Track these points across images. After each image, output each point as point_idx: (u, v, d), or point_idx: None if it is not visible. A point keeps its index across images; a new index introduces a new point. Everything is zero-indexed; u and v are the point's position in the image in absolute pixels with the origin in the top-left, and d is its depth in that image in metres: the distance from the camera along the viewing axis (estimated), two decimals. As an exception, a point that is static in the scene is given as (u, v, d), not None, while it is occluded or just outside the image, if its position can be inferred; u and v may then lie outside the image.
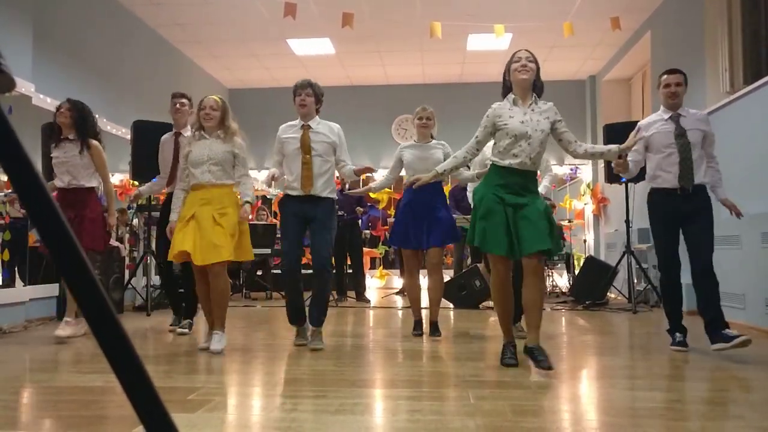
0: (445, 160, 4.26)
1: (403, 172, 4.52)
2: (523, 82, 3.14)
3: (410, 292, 4.48)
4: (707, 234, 3.54)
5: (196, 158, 3.74)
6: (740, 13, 5.57)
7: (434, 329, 4.25)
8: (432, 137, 4.47)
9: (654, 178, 3.71)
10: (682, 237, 3.65)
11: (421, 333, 4.29)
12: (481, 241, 3.06)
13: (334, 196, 3.93)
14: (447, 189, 8.15)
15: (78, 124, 4.28)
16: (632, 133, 3.35)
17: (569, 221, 8.71)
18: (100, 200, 4.45)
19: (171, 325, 4.59)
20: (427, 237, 4.19)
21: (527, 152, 3.08)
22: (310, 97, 3.89)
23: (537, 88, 3.20)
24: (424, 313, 4.50)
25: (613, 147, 3.30)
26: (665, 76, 3.77)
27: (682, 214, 3.59)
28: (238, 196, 3.81)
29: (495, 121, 3.16)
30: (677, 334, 3.70)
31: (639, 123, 3.83)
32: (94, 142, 4.31)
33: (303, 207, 3.81)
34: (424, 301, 4.52)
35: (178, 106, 4.58)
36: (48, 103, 5.44)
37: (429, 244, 4.20)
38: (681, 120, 3.68)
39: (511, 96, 3.20)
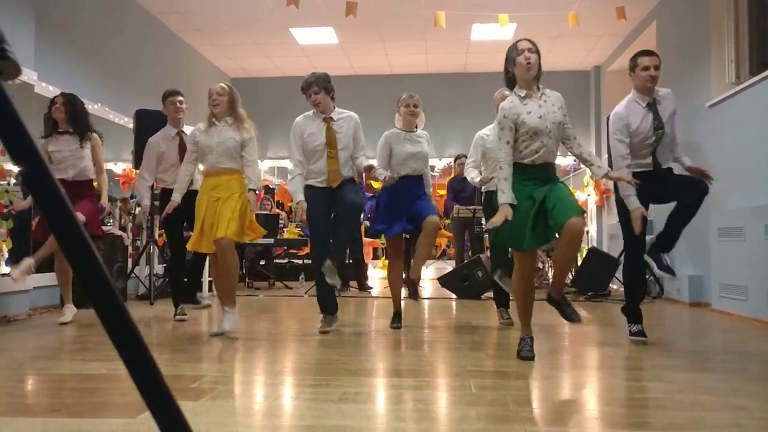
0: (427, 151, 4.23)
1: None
2: (527, 75, 3.08)
3: (391, 282, 4.30)
4: (684, 185, 3.49)
5: (205, 145, 3.82)
6: (747, 3, 5.52)
7: (413, 291, 4.27)
8: (416, 126, 4.28)
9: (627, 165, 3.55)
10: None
11: (399, 326, 4.14)
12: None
13: (355, 175, 3.99)
14: (447, 180, 8.14)
15: (73, 117, 4.35)
16: (629, 177, 3.26)
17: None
18: (95, 190, 4.54)
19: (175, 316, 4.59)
20: (415, 216, 4.00)
21: (549, 146, 3.06)
22: (318, 94, 3.88)
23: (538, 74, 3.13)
24: (404, 304, 4.49)
25: (604, 168, 3.19)
26: (642, 58, 3.54)
27: (652, 192, 3.49)
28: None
29: (514, 119, 3.11)
30: (637, 325, 3.60)
31: (616, 112, 3.56)
32: (95, 135, 4.42)
33: (328, 195, 3.89)
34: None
35: (178, 104, 4.54)
36: (50, 91, 5.43)
37: (421, 218, 3.97)
38: (658, 108, 3.54)
39: (520, 91, 3.14)
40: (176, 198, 3.94)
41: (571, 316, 3.07)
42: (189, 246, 3.87)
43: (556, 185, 3.08)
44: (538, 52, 3.12)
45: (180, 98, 4.57)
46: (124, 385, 2.44)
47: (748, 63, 5.47)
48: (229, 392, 2.41)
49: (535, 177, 3.07)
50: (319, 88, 3.86)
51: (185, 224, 4.47)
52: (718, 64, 5.70)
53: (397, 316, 4.22)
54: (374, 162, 4.14)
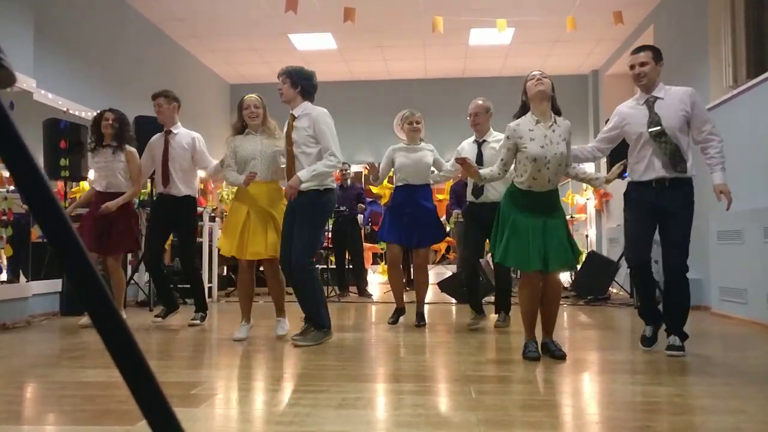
0: (434, 163, 4.53)
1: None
2: (540, 93, 3.16)
3: (392, 282, 4.66)
4: (681, 233, 3.22)
5: (244, 155, 3.89)
6: (744, 6, 5.54)
7: (420, 318, 4.51)
8: (421, 140, 4.59)
9: (631, 171, 3.42)
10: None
11: (396, 321, 4.51)
12: (504, 257, 3.15)
13: (316, 187, 3.60)
14: (448, 185, 8.15)
15: (119, 133, 4.55)
16: (616, 167, 3.47)
17: (571, 216, 8.70)
18: (133, 205, 4.68)
19: (156, 316, 4.61)
20: (416, 237, 4.39)
21: (546, 176, 3.15)
22: (285, 84, 3.71)
23: (555, 108, 3.25)
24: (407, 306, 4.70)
25: (601, 176, 3.46)
26: (630, 57, 3.41)
27: (657, 208, 3.28)
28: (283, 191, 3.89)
29: (516, 141, 3.20)
30: (647, 327, 3.49)
31: (616, 108, 3.56)
32: (130, 148, 4.56)
33: (294, 202, 3.67)
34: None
35: (156, 108, 4.56)
36: (49, 98, 5.44)
37: (417, 245, 4.43)
38: (657, 104, 3.30)
39: (532, 117, 3.21)
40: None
41: (555, 354, 3.17)
42: (228, 252, 3.87)
43: (555, 218, 3.18)
44: (549, 79, 3.23)
45: (158, 101, 4.52)
46: (122, 393, 2.43)
47: (745, 66, 5.49)
48: (228, 399, 2.40)
49: (530, 203, 3.17)
50: (285, 78, 3.71)
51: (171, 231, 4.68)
52: (715, 68, 5.72)
53: (396, 312, 4.57)
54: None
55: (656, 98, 3.34)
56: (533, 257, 3.08)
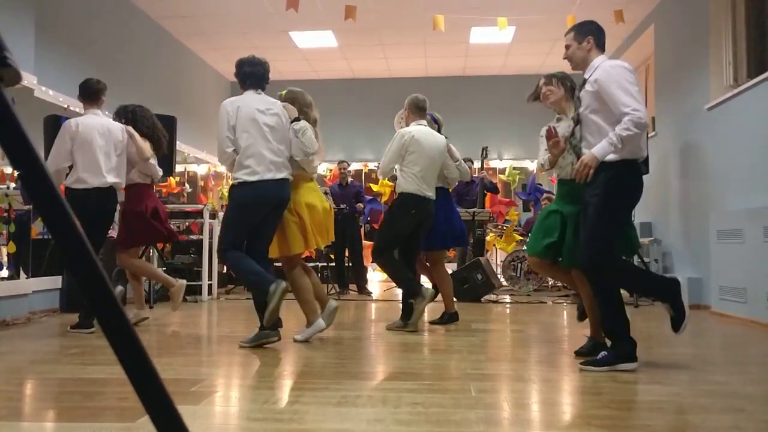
0: None
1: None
2: (549, 105, 3.40)
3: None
4: (587, 229, 2.84)
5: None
6: (745, 5, 5.54)
7: (452, 317, 4.54)
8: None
9: None
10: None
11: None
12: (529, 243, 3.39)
13: (232, 182, 3.55)
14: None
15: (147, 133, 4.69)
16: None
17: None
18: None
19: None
20: (428, 239, 4.37)
21: (569, 160, 3.21)
22: None
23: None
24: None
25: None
26: None
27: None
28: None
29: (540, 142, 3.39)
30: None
31: (623, 65, 3.03)
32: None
33: None
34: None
35: None
36: (50, 95, 5.43)
37: (427, 247, 4.44)
38: (584, 88, 2.92)
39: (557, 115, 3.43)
40: None
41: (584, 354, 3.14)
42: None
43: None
44: (556, 81, 3.40)
45: None
46: (123, 390, 2.44)
47: (746, 65, 5.48)
48: (228, 396, 2.41)
49: (566, 191, 3.27)
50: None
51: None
52: (716, 67, 5.71)
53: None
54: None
55: (585, 81, 2.93)
56: (536, 241, 3.24)
